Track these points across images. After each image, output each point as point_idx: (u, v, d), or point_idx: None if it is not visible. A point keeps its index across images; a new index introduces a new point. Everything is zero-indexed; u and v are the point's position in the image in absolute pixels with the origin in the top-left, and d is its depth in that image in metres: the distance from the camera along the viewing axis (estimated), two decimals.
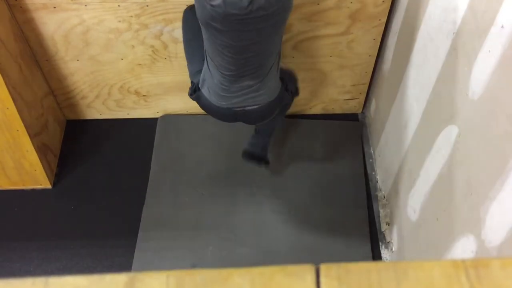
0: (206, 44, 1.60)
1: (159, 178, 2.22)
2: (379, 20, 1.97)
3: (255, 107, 1.74)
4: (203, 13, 1.46)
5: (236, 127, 2.37)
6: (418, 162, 1.68)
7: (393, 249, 1.99)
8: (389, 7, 1.92)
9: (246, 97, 1.71)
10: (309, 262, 0.51)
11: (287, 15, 1.55)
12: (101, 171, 2.28)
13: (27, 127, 1.98)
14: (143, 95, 2.30)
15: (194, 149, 2.29)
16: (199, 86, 1.76)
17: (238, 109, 1.75)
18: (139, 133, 2.39)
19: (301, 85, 2.28)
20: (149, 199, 2.16)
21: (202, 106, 1.81)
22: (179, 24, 1.96)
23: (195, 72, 1.79)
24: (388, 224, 2.06)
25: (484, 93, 1.21)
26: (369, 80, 2.27)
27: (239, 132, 2.30)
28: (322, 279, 0.49)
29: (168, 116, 2.39)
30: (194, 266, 2.00)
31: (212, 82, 1.69)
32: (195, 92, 1.78)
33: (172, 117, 2.38)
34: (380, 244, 2.08)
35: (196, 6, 1.49)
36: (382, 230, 2.09)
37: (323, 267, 0.50)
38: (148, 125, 2.39)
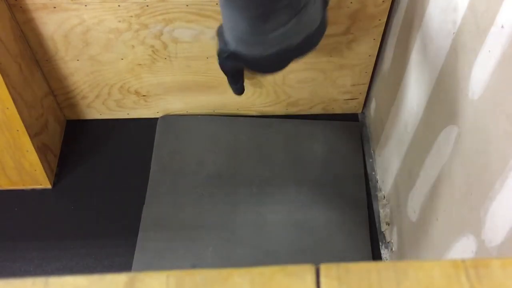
0: None
1: (159, 178, 2.22)
2: (379, 20, 1.97)
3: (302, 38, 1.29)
4: None
5: (236, 127, 2.37)
6: (418, 162, 1.68)
7: (393, 249, 1.99)
8: (389, 7, 1.92)
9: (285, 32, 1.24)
10: (309, 262, 0.51)
11: None
12: (101, 171, 2.28)
13: (27, 127, 1.98)
14: (143, 95, 2.30)
15: (194, 149, 2.29)
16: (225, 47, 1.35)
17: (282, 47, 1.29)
18: (139, 133, 2.39)
19: (301, 85, 2.28)
20: (149, 199, 2.16)
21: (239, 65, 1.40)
22: (179, 24, 1.96)
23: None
24: (388, 224, 2.06)
25: (484, 93, 1.21)
26: (369, 80, 2.27)
27: (240, 132, 2.30)
28: (322, 279, 0.49)
29: (168, 116, 2.39)
30: (194, 266, 2.00)
31: (236, 33, 1.28)
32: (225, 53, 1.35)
33: (172, 117, 2.38)
34: (380, 244, 2.08)
35: None
36: (382, 230, 2.09)
37: (323, 267, 0.50)
38: (148, 125, 2.39)
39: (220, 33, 1.43)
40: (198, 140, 2.34)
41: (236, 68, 1.51)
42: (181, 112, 2.43)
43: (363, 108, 2.45)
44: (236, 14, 1.25)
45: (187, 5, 1.90)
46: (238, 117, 2.36)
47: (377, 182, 2.22)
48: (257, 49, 1.34)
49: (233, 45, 1.34)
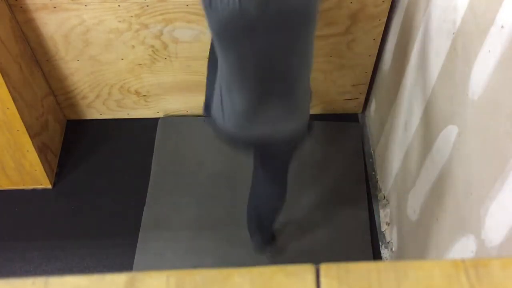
0: (221, 60, 1.33)
1: (159, 178, 2.22)
2: (379, 20, 1.97)
3: (285, 134, 1.45)
4: (213, 18, 1.21)
5: None
6: (418, 162, 1.68)
7: (393, 249, 1.99)
8: (389, 7, 1.92)
9: (274, 122, 1.42)
10: (309, 262, 0.51)
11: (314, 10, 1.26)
12: (102, 171, 2.28)
13: (27, 127, 1.98)
14: (143, 95, 2.30)
15: (195, 150, 2.29)
16: (211, 111, 1.49)
17: (264, 135, 1.45)
18: (139, 133, 2.39)
19: None
20: (150, 199, 2.16)
21: (217, 132, 1.53)
22: (179, 24, 1.96)
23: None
24: (388, 224, 2.06)
25: (484, 93, 1.21)
26: (369, 80, 2.27)
27: None
28: (322, 279, 0.49)
29: (168, 117, 2.39)
30: (194, 266, 2.00)
31: (229, 108, 1.41)
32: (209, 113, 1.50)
33: (173, 118, 2.39)
34: (380, 244, 2.08)
35: (206, 16, 1.24)
36: (382, 230, 2.09)
37: (323, 267, 0.50)
38: (148, 125, 2.39)
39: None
40: (199, 141, 2.34)
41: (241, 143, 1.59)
42: (181, 112, 2.43)
43: (363, 108, 2.45)
44: (238, 95, 1.36)
45: (187, 5, 1.91)
46: None
47: (377, 182, 2.22)
48: (245, 131, 1.44)
49: (220, 120, 1.45)
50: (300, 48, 1.31)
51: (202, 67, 2.16)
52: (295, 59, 1.32)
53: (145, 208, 2.14)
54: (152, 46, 2.05)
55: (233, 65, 1.30)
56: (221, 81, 1.38)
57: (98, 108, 2.36)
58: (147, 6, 1.88)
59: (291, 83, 1.35)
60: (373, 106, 2.30)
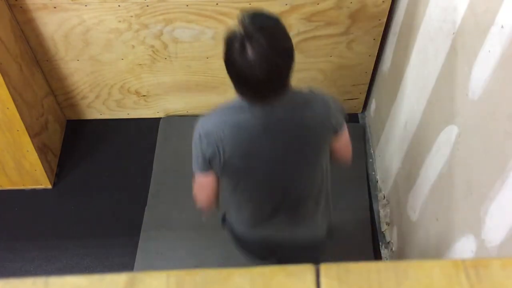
0: (224, 183, 1.37)
1: (161, 178, 2.22)
2: (379, 20, 1.97)
3: (294, 240, 1.46)
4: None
5: None
6: (418, 162, 1.68)
7: (393, 249, 1.99)
8: (389, 7, 1.92)
9: (280, 228, 1.44)
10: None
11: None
12: (102, 171, 2.28)
13: (27, 127, 1.98)
14: (143, 95, 2.30)
15: None
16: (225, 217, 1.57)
17: (271, 237, 1.47)
18: (139, 133, 2.39)
19: (301, 85, 2.28)
20: (151, 200, 2.16)
21: (233, 237, 1.59)
22: (179, 24, 1.96)
23: None
24: (388, 224, 2.06)
25: (484, 93, 1.21)
26: (369, 80, 2.27)
27: None
28: (322, 279, 0.49)
29: (170, 118, 2.39)
30: (195, 266, 2.00)
31: (239, 216, 1.48)
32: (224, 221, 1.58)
33: (174, 119, 2.39)
34: (380, 244, 2.08)
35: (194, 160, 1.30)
36: (382, 230, 2.09)
37: (323, 267, 0.50)
38: (148, 125, 2.39)
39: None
40: None
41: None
42: (181, 112, 2.43)
43: (363, 108, 2.45)
44: (250, 205, 1.42)
45: (187, 5, 1.90)
46: None
47: (377, 182, 2.22)
48: (250, 232, 1.48)
49: (231, 220, 1.53)
50: (309, 163, 1.32)
51: (202, 67, 2.16)
52: (302, 177, 1.34)
53: (146, 208, 2.14)
54: (152, 46, 2.05)
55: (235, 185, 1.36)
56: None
57: (98, 108, 2.36)
58: (147, 6, 1.88)
59: (299, 199, 1.38)
60: (373, 106, 2.30)
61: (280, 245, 1.50)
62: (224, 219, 1.58)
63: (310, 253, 1.56)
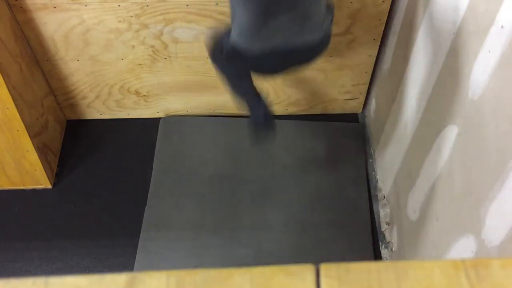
0: None
1: (161, 178, 2.22)
2: (379, 20, 1.97)
3: (296, 45, 1.44)
4: None
5: (238, 128, 2.37)
6: (418, 162, 1.68)
7: (393, 249, 1.99)
8: (389, 7, 1.92)
9: (282, 33, 1.40)
10: (309, 262, 0.51)
11: None
12: (102, 171, 2.28)
13: (27, 127, 1.98)
14: (144, 95, 2.30)
15: (196, 150, 2.29)
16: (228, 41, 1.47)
17: (276, 46, 1.42)
18: (139, 133, 2.39)
19: (301, 85, 2.28)
20: (151, 200, 2.16)
21: (238, 60, 1.52)
22: (179, 24, 1.96)
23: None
24: (388, 224, 2.06)
25: (484, 93, 1.21)
26: (369, 80, 2.27)
27: (241, 133, 2.30)
28: (322, 279, 0.49)
29: (170, 118, 2.39)
30: (195, 266, 2.00)
31: (241, 25, 1.41)
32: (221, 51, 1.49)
33: (174, 119, 2.39)
34: (380, 244, 2.08)
35: None
36: (382, 230, 2.09)
37: (323, 267, 0.50)
38: (148, 125, 2.39)
39: (215, 38, 1.53)
40: (200, 141, 2.34)
41: (236, 68, 1.55)
42: (181, 112, 2.43)
43: (363, 108, 2.45)
44: (244, 8, 1.37)
45: (187, 5, 1.91)
46: (239, 118, 2.36)
47: (377, 182, 2.22)
48: (256, 44, 1.44)
49: (234, 37, 1.44)
50: None
51: (202, 67, 2.16)
52: None
53: (146, 208, 2.14)
54: (152, 46, 2.05)
55: None
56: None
57: (98, 108, 2.36)
58: (147, 6, 1.88)
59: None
60: (373, 106, 2.30)
61: (283, 49, 1.45)
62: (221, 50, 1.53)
63: (309, 57, 1.57)
